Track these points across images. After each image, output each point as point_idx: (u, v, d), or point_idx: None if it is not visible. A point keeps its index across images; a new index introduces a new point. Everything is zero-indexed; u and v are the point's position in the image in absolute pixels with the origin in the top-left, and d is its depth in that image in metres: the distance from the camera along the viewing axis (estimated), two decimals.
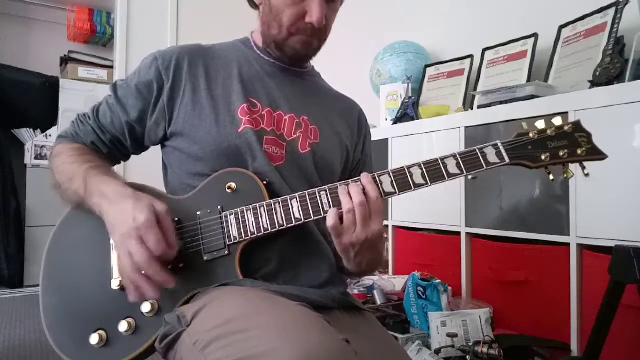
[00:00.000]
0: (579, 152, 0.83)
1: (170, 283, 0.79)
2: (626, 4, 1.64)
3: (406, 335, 1.70)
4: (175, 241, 0.82)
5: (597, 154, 0.84)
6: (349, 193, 0.82)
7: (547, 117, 0.86)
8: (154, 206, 0.81)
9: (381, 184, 0.84)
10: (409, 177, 0.83)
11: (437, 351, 1.57)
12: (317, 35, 0.98)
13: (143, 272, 0.77)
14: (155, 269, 0.77)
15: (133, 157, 1.08)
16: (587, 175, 0.85)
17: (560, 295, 1.54)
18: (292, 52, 0.99)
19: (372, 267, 0.90)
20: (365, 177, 0.83)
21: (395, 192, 0.84)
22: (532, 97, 1.70)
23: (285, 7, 0.93)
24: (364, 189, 0.82)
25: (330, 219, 0.81)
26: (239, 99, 0.96)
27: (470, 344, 1.50)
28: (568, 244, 1.53)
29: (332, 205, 0.84)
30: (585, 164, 0.85)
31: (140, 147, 1.04)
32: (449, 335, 1.58)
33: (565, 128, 0.84)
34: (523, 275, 1.68)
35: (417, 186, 0.84)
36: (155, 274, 0.77)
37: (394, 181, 0.84)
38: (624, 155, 1.38)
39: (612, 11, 1.70)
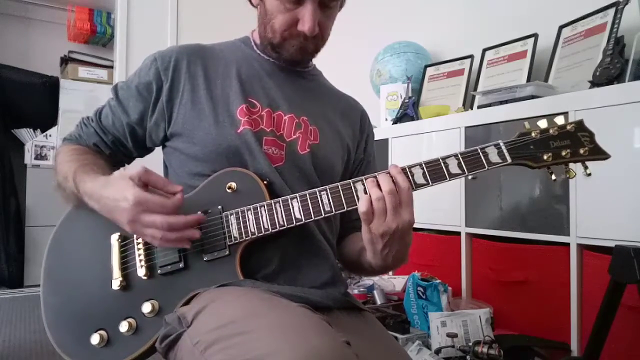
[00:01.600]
0: (581, 151, 0.82)
1: (201, 219, 0.85)
2: (626, 4, 1.64)
3: (406, 335, 1.70)
4: (173, 186, 0.84)
5: (600, 154, 0.83)
6: (377, 183, 0.81)
7: (548, 117, 0.86)
8: (130, 177, 0.81)
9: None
10: (410, 177, 0.83)
11: (437, 351, 1.57)
12: (312, 41, 0.96)
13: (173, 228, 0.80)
14: (179, 221, 0.80)
15: (140, 157, 1.08)
16: (589, 175, 0.84)
17: (560, 295, 1.54)
18: (287, 55, 0.98)
19: (397, 262, 0.86)
20: (394, 168, 0.83)
21: None
22: (532, 97, 1.70)
23: (278, 12, 0.93)
24: (393, 179, 0.81)
25: (363, 205, 0.80)
26: (238, 100, 0.96)
27: (470, 344, 1.50)
28: (568, 244, 1.53)
29: (332, 205, 0.84)
30: (587, 163, 0.85)
31: (142, 148, 1.04)
32: (449, 335, 1.58)
33: (568, 127, 0.83)
34: (523, 275, 1.69)
35: (419, 186, 0.83)
36: (182, 223, 0.81)
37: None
38: (625, 156, 1.38)
39: (612, 11, 1.70)
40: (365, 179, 0.83)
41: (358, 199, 0.84)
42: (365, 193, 0.82)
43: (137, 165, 0.85)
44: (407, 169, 0.83)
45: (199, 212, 0.85)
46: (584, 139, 0.83)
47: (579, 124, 0.84)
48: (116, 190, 0.81)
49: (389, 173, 0.82)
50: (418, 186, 0.83)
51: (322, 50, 1.03)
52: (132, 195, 0.78)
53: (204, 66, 0.99)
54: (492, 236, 1.81)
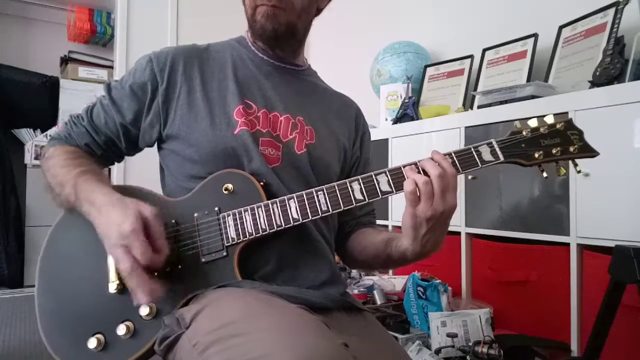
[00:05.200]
0: (571, 149, 0.84)
1: (156, 292, 0.78)
2: (626, 4, 1.64)
3: (406, 335, 1.70)
4: (164, 246, 0.80)
5: (589, 151, 0.85)
6: (419, 170, 0.81)
7: (538, 116, 0.87)
8: (141, 212, 0.80)
9: (378, 183, 0.84)
10: (405, 176, 0.83)
11: (437, 351, 1.57)
12: (280, 8, 0.93)
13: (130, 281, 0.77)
14: (139, 279, 0.76)
15: (133, 159, 1.07)
16: (579, 172, 0.86)
17: (560, 295, 1.54)
18: (261, 30, 0.96)
19: (435, 247, 0.85)
20: (437, 154, 0.83)
21: (392, 191, 0.84)
22: (532, 97, 1.70)
23: None
24: (439, 164, 0.81)
25: (409, 184, 0.79)
26: (235, 101, 0.95)
27: (470, 344, 1.50)
28: (568, 244, 1.52)
29: (329, 205, 0.84)
30: (581, 162, 0.86)
31: (134, 148, 1.03)
32: (449, 335, 1.58)
33: (558, 126, 0.85)
34: (523, 275, 1.68)
35: None
36: (139, 284, 0.76)
37: (390, 180, 0.84)
38: (624, 155, 1.38)
39: (612, 11, 1.70)
40: (404, 167, 0.83)
41: (355, 199, 0.84)
42: (362, 191, 0.83)
43: (136, 177, 0.84)
44: (452, 154, 0.84)
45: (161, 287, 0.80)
46: (573, 137, 0.85)
47: (568, 123, 0.86)
48: (122, 214, 0.79)
49: (432, 159, 0.82)
50: None
51: (320, 47, 1.01)
52: (129, 228, 0.77)
53: (201, 68, 0.99)
54: (492, 236, 1.81)
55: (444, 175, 0.79)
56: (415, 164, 0.83)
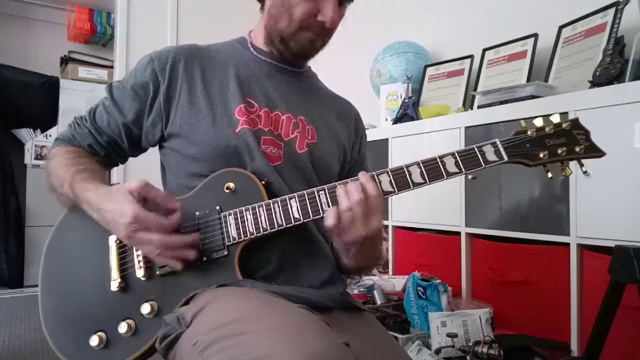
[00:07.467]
0: (577, 149, 0.83)
1: (196, 240, 0.85)
2: (626, 4, 1.64)
3: (406, 335, 1.70)
4: (172, 202, 0.86)
5: (595, 151, 0.84)
6: (347, 192, 0.82)
7: (544, 116, 0.86)
8: (130, 190, 0.82)
9: (380, 183, 0.84)
10: (407, 176, 0.83)
11: (437, 351, 1.57)
12: (324, 35, 0.98)
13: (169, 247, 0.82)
14: (175, 241, 0.82)
15: (133, 157, 1.08)
16: (585, 172, 0.85)
17: (560, 295, 1.54)
18: (296, 48, 0.98)
19: (370, 264, 0.90)
20: (363, 176, 0.83)
21: (394, 191, 0.84)
22: (532, 97, 1.70)
23: (300, 1, 0.93)
24: (363, 188, 0.82)
25: (330, 219, 0.81)
26: (236, 99, 0.96)
27: (470, 344, 1.50)
28: (568, 244, 1.52)
29: (330, 205, 0.84)
30: (583, 162, 0.85)
31: (137, 148, 1.03)
32: (449, 335, 1.58)
33: (564, 125, 0.84)
34: (523, 275, 1.68)
35: (416, 185, 0.84)
36: (178, 243, 0.82)
37: (392, 180, 0.84)
38: (624, 155, 1.38)
39: (612, 11, 1.70)
40: (337, 188, 0.84)
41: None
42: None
43: (137, 175, 0.85)
44: (375, 175, 0.85)
45: (194, 234, 0.86)
46: (579, 137, 0.84)
47: (575, 122, 0.85)
48: (115, 204, 0.81)
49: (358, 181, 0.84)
50: (416, 185, 0.84)
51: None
52: (130, 212, 0.79)
53: (201, 67, 0.99)
54: (492, 236, 1.81)
55: (363, 201, 0.81)
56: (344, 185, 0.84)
